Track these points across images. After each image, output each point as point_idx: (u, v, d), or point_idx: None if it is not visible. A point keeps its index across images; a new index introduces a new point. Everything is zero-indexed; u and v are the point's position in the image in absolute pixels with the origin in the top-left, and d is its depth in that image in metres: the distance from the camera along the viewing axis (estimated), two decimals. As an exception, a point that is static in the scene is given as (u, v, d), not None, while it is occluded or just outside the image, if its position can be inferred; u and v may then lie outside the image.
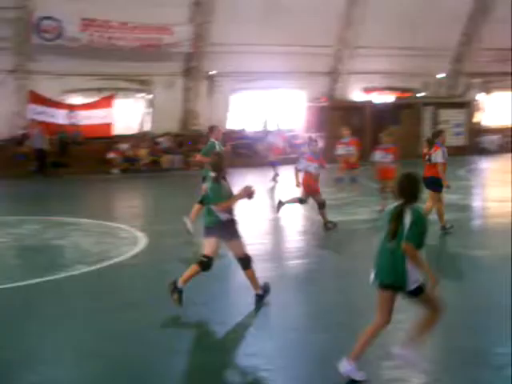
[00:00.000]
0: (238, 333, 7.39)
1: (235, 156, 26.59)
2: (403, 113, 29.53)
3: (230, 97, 28.85)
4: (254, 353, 6.69)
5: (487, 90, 33.91)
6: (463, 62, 32.49)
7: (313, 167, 13.21)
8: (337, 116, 28.49)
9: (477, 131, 31.32)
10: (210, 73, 27.91)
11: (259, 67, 27.46)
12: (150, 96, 27.50)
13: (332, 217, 13.39)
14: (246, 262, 8.19)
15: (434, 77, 32.40)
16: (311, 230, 13.52)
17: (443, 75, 32.57)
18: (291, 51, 27.18)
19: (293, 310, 8.25)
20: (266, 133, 27.44)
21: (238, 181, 22.25)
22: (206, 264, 8.02)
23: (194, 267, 8.07)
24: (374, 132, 28.46)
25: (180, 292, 7.96)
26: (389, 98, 30.92)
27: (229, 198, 8.05)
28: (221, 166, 8.06)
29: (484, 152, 29.54)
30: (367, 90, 31.01)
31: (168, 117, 27.27)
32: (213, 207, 8.00)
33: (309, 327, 7.54)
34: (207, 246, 8.09)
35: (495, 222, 12.81)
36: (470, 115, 31.46)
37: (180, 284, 8.00)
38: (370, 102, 29.87)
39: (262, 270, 9.12)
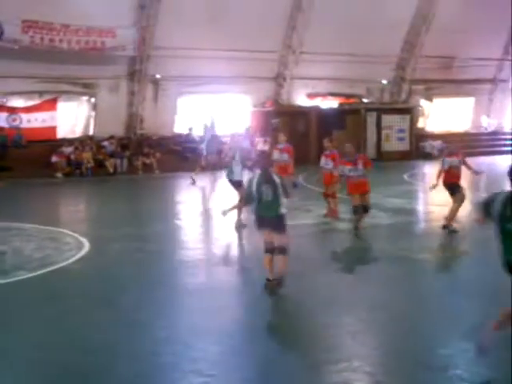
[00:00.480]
0: (182, 337, 7.32)
1: (181, 160, 26.48)
2: (348, 118, 29.87)
3: (177, 100, 28.67)
4: (198, 357, 6.63)
5: (429, 97, 34.57)
6: (406, 68, 33.05)
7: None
8: (282, 121, 28.69)
9: (420, 136, 31.88)
10: (156, 76, 27.70)
11: (205, 71, 27.36)
12: (94, 99, 27.12)
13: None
14: (284, 250, 8.76)
15: (378, 83, 32.88)
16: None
17: (386, 81, 33.08)
18: (236, 56, 27.18)
19: (236, 312, 8.22)
20: (211, 136, 27.42)
21: (185, 185, 22.31)
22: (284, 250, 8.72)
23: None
24: (319, 137, 28.74)
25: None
26: (332, 103, 31.20)
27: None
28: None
29: (427, 157, 30.10)
30: (311, 96, 31.22)
31: (112, 120, 26.94)
32: (283, 200, 8.65)
33: (254, 329, 7.51)
34: (268, 235, 8.80)
35: (438, 225, 13.02)
36: (413, 121, 32.04)
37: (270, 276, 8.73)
38: (315, 107, 30.10)
39: (206, 276, 9.08)
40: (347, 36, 29.33)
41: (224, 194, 19.53)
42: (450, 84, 34.15)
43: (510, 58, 35.16)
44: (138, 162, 25.72)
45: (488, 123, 36.12)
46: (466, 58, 32.87)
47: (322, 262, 10.70)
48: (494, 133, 34.40)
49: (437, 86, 34.02)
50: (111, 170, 25.35)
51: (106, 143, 26.38)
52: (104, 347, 6.98)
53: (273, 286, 8.71)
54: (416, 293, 8.99)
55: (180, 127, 28.89)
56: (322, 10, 28.46)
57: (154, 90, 28.02)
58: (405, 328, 7.44)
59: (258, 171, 9.04)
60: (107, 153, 26.01)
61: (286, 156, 15.41)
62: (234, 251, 12.07)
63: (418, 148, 31.04)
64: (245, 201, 9.58)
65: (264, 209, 8.74)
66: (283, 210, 8.75)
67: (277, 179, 8.77)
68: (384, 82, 32.99)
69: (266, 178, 8.74)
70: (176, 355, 6.75)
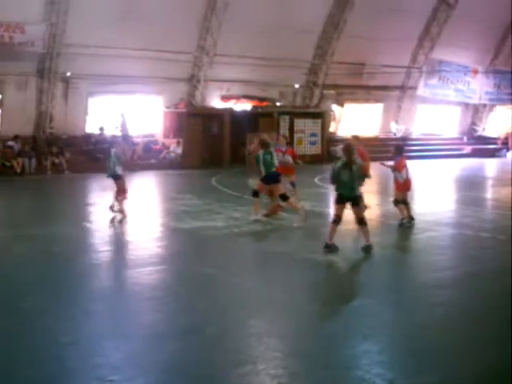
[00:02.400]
0: (86, 342, 7.14)
1: (92, 160, 25.98)
2: (261, 121, 30.08)
3: (89, 100, 28.10)
4: (100, 363, 6.48)
5: (341, 102, 35.26)
6: (318, 74, 33.60)
7: None
8: (195, 122, 28.62)
9: (331, 141, 32.48)
10: (66, 74, 27.06)
11: (117, 71, 27.00)
12: (0, 96, 26.21)
13: (188, 223, 13.36)
14: (363, 221, 11.33)
15: (291, 87, 33.28)
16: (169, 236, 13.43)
17: (299, 86, 33.52)
18: (149, 56, 26.98)
19: (142, 317, 8.10)
20: (124, 137, 26.98)
21: (96, 186, 21.88)
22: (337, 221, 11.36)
23: (332, 226, 11.34)
24: (232, 139, 28.92)
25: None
26: (246, 106, 31.36)
27: None
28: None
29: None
30: (225, 98, 31.29)
31: (20, 119, 26.18)
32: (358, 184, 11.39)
33: (159, 334, 7.41)
34: (340, 209, 11.37)
35: (346, 228, 13.22)
36: (325, 125, 32.58)
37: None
38: (229, 110, 30.17)
39: (112, 279, 8.90)
40: (261, 39, 29.60)
41: (135, 195, 19.32)
42: (361, 90, 34.99)
43: (417, 65, 36.33)
44: (47, 162, 25.06)
45: (396, 129, 37.18)
46: (376, 64, 33.76)
47: (229, 265, 10.69)
48: (403, 138, 35.43)
49: (348, 92, 34.77)
50: (18, 170, 24.60)
51: (11, 143, 25.56)
52: (2, 353, 6.72)
53: (368, 249, 11.09)
54: (321, 295, 9.10)
55: (91, 127, 28.34)
56: (236, 12, 28.64)
57: (65, 89, 27.43)
58: (309, 329, 7.51)
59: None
60: (14, 152, 25.23)
61: (288, 158, 16.08)
62: (141, 253, 11.88)
63: (329, 152, 31.60)
64: (330, 181, 11.53)
65: (343, 188, 11.18)
66: (359, 192, 11.54)
67: (354, 168, 11.13)
68: (296, 86, 33.46)
69: (348, 166, 11.12)
70: (79, 360, 6.57)
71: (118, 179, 14.91)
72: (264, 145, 14.42)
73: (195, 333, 7.34)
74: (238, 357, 6.57)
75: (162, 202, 19.35)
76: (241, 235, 13.38)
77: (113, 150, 15.09)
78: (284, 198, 14.27)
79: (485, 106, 41.29)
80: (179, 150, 28.83)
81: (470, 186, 23.00)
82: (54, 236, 13.02)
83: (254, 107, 31.32)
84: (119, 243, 12.67)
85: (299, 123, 31.33)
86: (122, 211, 14.75)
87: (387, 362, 6.53)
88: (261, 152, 14.36)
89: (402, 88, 37.01)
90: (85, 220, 15.23)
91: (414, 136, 37.61)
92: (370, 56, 33.37)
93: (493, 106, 41.52)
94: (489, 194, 22.19)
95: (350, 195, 11.15)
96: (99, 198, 18.80)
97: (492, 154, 37.84)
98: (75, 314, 8.05)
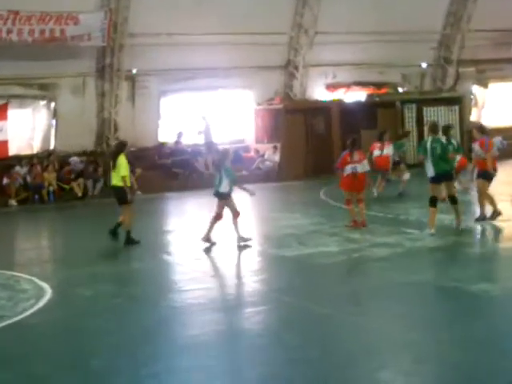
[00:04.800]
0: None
1: (169, 177, 26.47)
2: (380, 113, 29.84)
3: (160, 101, 28.67)
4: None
5: (483, 82, 34.51)
6: (451, 47, 33.10)
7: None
8: (295, 121, 28.62)
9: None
10: (132, 72, 27.72)
11: (194, 62, 27.43)
12: (54, 104, 27.11)
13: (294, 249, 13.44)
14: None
15: (417, 67, 32.89)
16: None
17: (427, 65, 33.06)
18: (233, 41, 27.25)
19: (243, 373, 8.13)
20: (208, 145, 27.43)
21: (177, 208, 22.27)
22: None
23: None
24: (343, 139, 28.73)
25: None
26: (359, 95, 31.19)
27: None
28: None
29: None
30: (331, 87, 31.23)
31: (79, 130, 26.87)
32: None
33: None
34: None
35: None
36: (464, 113, 31.90)
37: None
38: (337, 102, 30.09)
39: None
40: (373, 9, 29.42)
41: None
42: (510, 64, 34.08)
43: None
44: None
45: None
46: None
47: (349, 302, 10.61)
48: None
49: (492, 68, 33.98)
50: (80, 194, 25.34)
51: (74, 159, 26.32)
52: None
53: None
54: (469, 335, 8.88)
55: (165, 135, 28.84)
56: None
57: (131, 89, 28.02)
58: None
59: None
60: (74, 172, 26.01)
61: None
62: (237, 291, 11.94)
63: (470, 148, 30.82)
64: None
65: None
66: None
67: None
68: (424, 65, 33.01)
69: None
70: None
71: (222, 199, 15.15)
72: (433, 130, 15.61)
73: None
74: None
75: (259, 223, 19.44)
76: (362, 262, 13.30)
77: (226, 163, 15.42)
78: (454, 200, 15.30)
79: None
80: (277, 158, 28.94)
81: None
82: (126, 274, 13.30)
83: (370, 96, 31.12)
84: (208, 279, 12.78)
85: (430, 112, 30.83)
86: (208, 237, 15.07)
87: None
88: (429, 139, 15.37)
89: None
90: (163, 251, 15.48)
91: None
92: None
93: None
94: None
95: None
96: (179, 224, 19.11)
97: None
98: (157, 373, 8.16)
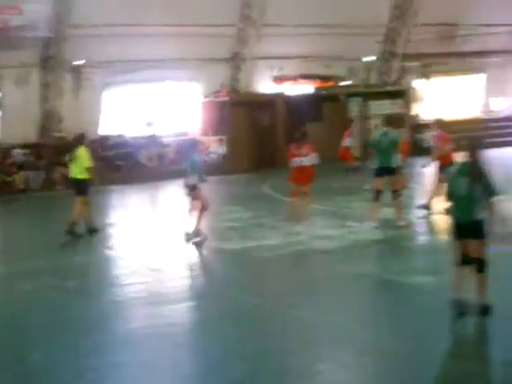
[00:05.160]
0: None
1: (111, 170, 26.30)
2: (325, 106, 29.96)
3: (103, 93, 28.50)
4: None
5: (427, 75, 34.83)
6: (397, 41, 33.32)
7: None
8: (241, 114, 28.62)
9: (415, 127, 31.73)
10: (76, 63, 27.49)
11: (140, 54, 27.25)
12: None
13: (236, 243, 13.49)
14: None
15: (362, 60, 33.04)
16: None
17: (372, 58, 33.26)
18: (180, 32, 27.12)
19: (180, 368, 8.18)
20: (153, 138, 27.37)
21: (119, 201, 22.17)
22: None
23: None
24: (288, 132, 28.79)
25: None
26: (306, 88, 31.30)
27: None
28: None
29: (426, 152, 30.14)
30: (278, 80, 31.27)
31: (22, 121, 26.55)
32: None
33: None
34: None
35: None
36: (407, 107, 32.14)
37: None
38: (283, 95, 30.15)
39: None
40: (321, 2, 29.50)
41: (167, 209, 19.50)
42: (453, 58, 34.46)
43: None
44: (56, 175, 25.44)
45: (500, 106, 36.50)
46: (473, 24, 33.18)
47: (289, 295, 10.71)
48: (509, 118, 34.80)
49: (436, 62, 34.31)
50: (22, 187, 25.08)
51: (16, 151, 26.01)
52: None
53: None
54: (409, 327, 9.04)
55: (108, 127, 28.66)
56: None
57: (75, 81, 27.78)
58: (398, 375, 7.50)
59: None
60: (16, 164, 25.70)
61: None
62: (176, 285, 11.94)
63: (416, 141, 31.10)
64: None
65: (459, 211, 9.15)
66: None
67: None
68: (369, 58, 33.18)
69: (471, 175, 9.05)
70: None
71: (191, 190, 14.77)
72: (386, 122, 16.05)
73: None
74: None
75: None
76: (304, 255, 13.41)
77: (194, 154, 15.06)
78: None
79: None
80: (222, 150, 28.92)
81: None
82: (66, 268, 13.23)
83: (317, 89, 31.23)
84: (149, 273, 12.78)
85: (375, 106, 31.03)
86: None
87: None
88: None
89: (507, 53, 36.27)
90: (104, 246, 15.43)
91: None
92: (465, 13, 32.88)
93: None
94: None
95: (467, 220, 8.97)
96: (121, 217, 19.06)
97: None
98: (97, 367, 8.18)
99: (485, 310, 8.85)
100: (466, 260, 8.85)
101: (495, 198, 8.91)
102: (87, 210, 16.13)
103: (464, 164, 9.15)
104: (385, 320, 9.35)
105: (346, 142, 22.89)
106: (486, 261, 8.89)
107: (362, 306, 10.13)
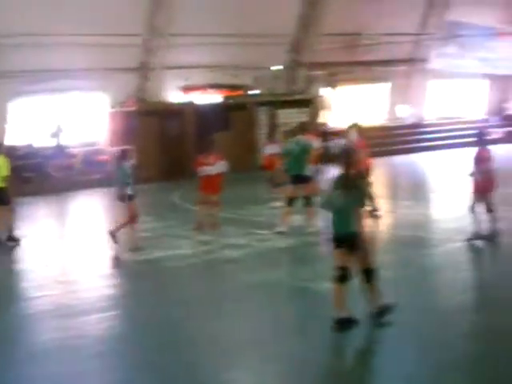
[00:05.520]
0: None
1: (20, 181, 25.91)
2: (234, 116, 30.16)
3: (8, 104, 28.08)
4: None
5: (333, 84, 35.32)
6: (302, 50, 33.71)
7: None
8: (149, 123, 28.53)
9: (325, 134, 32.26)
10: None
11: (47, 64, 26.97)
12: None
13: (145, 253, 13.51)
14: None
15: (269, 69, 33.30)
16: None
17: (279, 67, 33.56)
18: (89, 42, 26.96)
19: (90, 380, 8.18)
20: (59, 148, 27.08)
21: (29, 213, 21.83)
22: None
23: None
24: (197, 142, 28.84)
25: None
26: (213, 97, 31.43)
27: None
28: None
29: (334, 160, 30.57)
30: (187, 89, 31.34)
31: None
32: None
33: None
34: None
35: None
36: (314, 115, 32.51)
37: None
38: (192, 104, 30.23)
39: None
40: (227, 12, 29.73)
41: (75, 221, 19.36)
42: (357, 67, 35.06)
43: (428, 31, 36.47)
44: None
45: (406, 113, 37.33)
46: (376, 33, 33.85)
47: (199, 304, 10.80)
48: (415, 125, 35.64)
49: (341, 71, 34.82)
50: None
51: None
52: None
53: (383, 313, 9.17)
54: (317, 333, 9.22)
55: (15, 138, 28.24)
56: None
57: (-21, 91, 27.34)
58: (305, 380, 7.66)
59: None
60: None
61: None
62: (86, 296, 11.89)
63: (323, 150, 31.50)
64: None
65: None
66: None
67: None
68: (275, 68, 33.46)
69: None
70: None
71: (129, 201, 14.86)
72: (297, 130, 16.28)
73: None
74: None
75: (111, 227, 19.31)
76: (213, 264, 13.53)
77: (124, 164, 15.23)
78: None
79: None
80: (131, 161, 28.78)
81: (505, 182, 23.05)
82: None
83: (225, 98, 31.38)
84: (57, 286, 12.67)
85: (282, 114, 31.30)
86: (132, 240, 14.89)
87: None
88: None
89: (411, 61, 37.17)
90: (11, 259, 15.23)
91: (427, 121, 37.80)
92: (368, 23, 33.50)
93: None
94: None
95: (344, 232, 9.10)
96: (30, 230, 18.76)
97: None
98: (6, 382, 8.11)
99: (386, 310, 9.01)
100: (345, 276, 8.95)
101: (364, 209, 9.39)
102: (9, 218, 15.95)
103: (339, 177, 9.22)
104: (294, 327, 9.54)
105: (269, 149, 22.69)
106: (374, 270, 9.09)
107: (272, 312, 10.24)
